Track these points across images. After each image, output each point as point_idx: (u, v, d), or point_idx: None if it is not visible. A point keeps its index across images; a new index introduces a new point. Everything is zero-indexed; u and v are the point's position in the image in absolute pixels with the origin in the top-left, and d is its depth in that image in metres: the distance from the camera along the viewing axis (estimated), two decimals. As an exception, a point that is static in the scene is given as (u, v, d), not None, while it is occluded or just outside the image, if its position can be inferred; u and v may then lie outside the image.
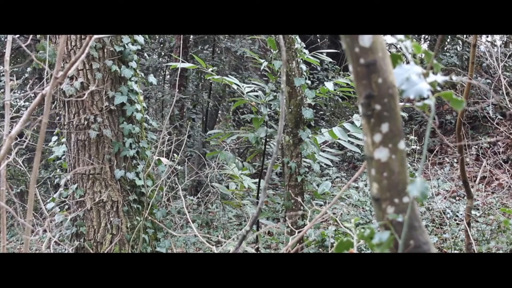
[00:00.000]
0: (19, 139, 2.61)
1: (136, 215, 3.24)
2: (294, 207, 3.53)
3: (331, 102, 8.43)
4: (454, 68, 7.81)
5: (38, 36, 3.76)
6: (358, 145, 3.70)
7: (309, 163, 3.67)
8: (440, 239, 4.69)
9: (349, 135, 3.60)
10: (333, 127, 3.63)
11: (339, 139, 3.56)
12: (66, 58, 3.10)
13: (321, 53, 3.87)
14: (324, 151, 3.85)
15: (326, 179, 6.74)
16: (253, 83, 4.01)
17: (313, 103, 3.83)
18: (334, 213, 3.83)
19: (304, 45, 3.68)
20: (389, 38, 1.08)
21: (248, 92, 3.84)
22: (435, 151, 7.31)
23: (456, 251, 4.24)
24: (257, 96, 3.85)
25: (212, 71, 3.71)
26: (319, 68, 8.65)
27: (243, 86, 3.83)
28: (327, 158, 3.78)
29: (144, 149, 3.30)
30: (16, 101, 5.92)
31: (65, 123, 3.20)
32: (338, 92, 3.87)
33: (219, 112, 9.41)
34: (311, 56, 3.78)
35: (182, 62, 3.89)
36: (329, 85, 3.63)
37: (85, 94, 3.00)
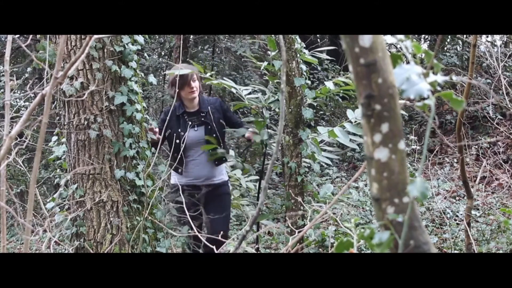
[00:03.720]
0: (19, 139, 2.60)
1: (136, 215, 3.24)
2: (294, 207, 3.53)
3: (331, 102, 8.43)
4: (454, 68, 7.81)
5: (38, 36, 3.76)
6: (358, 143, 3.64)
7: (309, 163, 3.67)
8: (440, 239, 4.69)
9: (349, 133, 3.56)
10: (334, 128, 3.58)
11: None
12: (66, 58, 3.10)
13: (321, 51, 3.85)
14: (324, 150, 3.82)
15: (326, 179, 6.74)
16: (252, 85, 4.00)
17: (315, 104, 3.81)
18: (334, 213, 3.83)
19: (304, 45, 3.68)
20: (389, 38, 1.08)
21: (247, 94, 3.82)
22: (435, 151, 7.32)
23: (456, 251, 4.24)
24: (257, 98, 3.84)
25: (211, 75, 3.68)
26: (319, 68, 8.65)
27: (241, 89, 3.81)
28: (327, 158, 3.76)
29: (144, 149, 3.30)
30: (16, 101, 5.92)
31: (65, 123, 3.20)
32: (340, 92, 3.80)
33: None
34: (310, 55, 3.76)
35: (180, 66, 3.81)
36: (330, 84, 3.61)
37: (85, 94, 3.00)
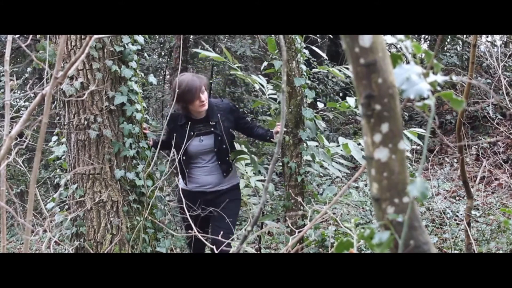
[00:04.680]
0: (19, 139, 2.60)
1: (136, 215, 3.24)
2: (294, 207, 3.53)
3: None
4: (454, 68, 7.81)
5: (38, 36, 3.76)
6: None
7: (309, 163, 3.67)
8: (440, 239, 4.69)
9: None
10: (350, 142, 3.57)
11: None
12: (66, 58, 3.10)
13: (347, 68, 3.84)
14: (336, 162, 3.80)
15: (326, 179, 6.74)
16: (271, 83, 3.98)
17: (331, 117, 3.81)
18: (334, 213, 3.83)
19: (304, 45, 3.68)
20: (389, 38, 1.08)
21: (270, 94, 3.82)
22: (435, 151, 7.32)
23: (456, 251, 4.24)
24: (274, 99, 3.84)
25: (237, 67, 3.61)
26: (319, 68, 8.64)
27: (266, 87, 3.80)
28: (337, 169, 3.76)
29: (144, 149, 3.30)
30: (16, 101, 5.92)
31: (65, 123, 3.20)
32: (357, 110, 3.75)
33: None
34: (338, 70, 3.77)
35: (208, 50, 3.70)
36: (351, 101, 3.59)
37: (85, 94, 3.00)
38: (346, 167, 3.91)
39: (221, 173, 3.41)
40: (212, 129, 3.34)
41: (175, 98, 3.24)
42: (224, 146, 3.37)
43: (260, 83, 3.73)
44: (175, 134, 3.35)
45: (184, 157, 3.34)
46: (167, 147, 3.50)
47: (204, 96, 3.27)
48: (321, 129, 3.66)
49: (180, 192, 3.21)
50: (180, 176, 3.50)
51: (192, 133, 3.32)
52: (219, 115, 3.35)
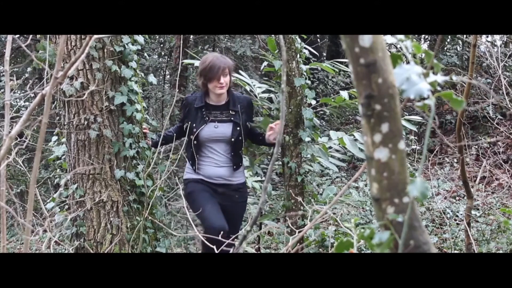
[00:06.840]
0: (19, 139, 2.60)
1: (136, 215, 3.24)
2: (294, 207, 3.53)
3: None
4: (454, 68, 7.81)
5: (38, 36, 3.76)
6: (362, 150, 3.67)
7: (310, 164, 3.67)
8: (440, 239, 4.69)
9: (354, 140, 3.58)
10: (344, 135, 3.58)
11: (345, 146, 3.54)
12: (66, 58, 3.10)
13: (342, 62, 3.84)
14: (332, 156, 3.81)
15: (326, 179, 6.74)
16: (264, 84, 3.98)
17: (328, 112, 3.85)
18: (334, 213, 3.83)
19: (304, 45, 3.68)
20: (389, 38, 1.08)
21: (260, 93, 3.82)
22: (435, 151, 7.32)
23: (456, 251, 4.24)
24: (269, 99, 3.84)
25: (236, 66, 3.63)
26: (319, 68, 8.64)
27: (255, 86, 3.80)
28: (334, 164, 3.76)
29: (144, 149, 3.30)
30: (16, 101, 5.92)
31: (65, 123, 3.20)
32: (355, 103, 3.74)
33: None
34: (329, 64, 3.78)
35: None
36: (345, 94, 3.60)
37: (85, 94, 3.00)
38: (342, 161, 3.92)
39: (231, 166, 3.26)
40: (232, 118, 3.22)
41: (197, 73, 3.24)
42: (240, 138, 3.24)
43: (248, 83, 3.73)
44: (190, 118, 3.24)
45: (195, 142, 3.20)
46: (181, 135, 3.37)
47: (225, 79, 3.15)
48: (317, 126, 3.65)
49: (188, 182, 3.17)
50: (187, 166, 3.36)
51: (207, 118, 3.21)
52: (239, 106, 3.25)
